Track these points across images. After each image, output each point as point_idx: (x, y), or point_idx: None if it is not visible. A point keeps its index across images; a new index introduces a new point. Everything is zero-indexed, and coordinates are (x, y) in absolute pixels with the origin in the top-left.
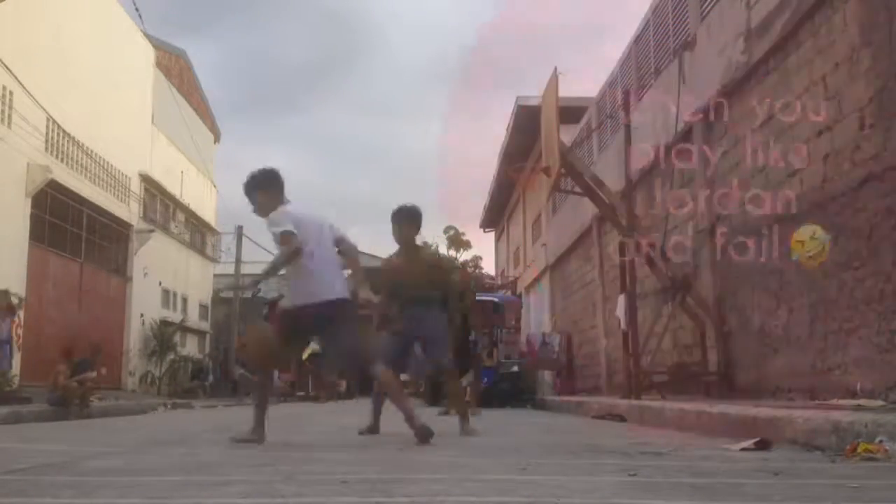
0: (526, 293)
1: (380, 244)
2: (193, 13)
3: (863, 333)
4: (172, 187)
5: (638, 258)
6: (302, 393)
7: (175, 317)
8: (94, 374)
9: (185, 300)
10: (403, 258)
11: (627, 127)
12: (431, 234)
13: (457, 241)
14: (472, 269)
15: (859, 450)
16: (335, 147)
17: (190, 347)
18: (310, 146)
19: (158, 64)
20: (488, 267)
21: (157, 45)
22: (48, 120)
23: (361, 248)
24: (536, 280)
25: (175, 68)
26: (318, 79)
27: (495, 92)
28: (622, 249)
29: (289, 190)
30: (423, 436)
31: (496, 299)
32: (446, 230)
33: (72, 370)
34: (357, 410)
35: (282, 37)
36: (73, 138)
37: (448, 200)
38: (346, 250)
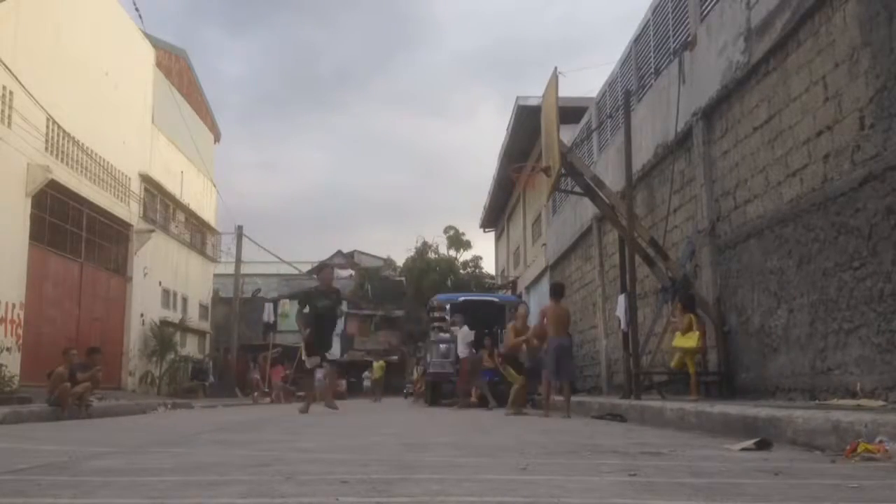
0: (526, 293)
1: (395, 245)
2: (235, 9)
3: (863, 333)
4: (172, 187)
5: (638, 257)
6: (302, 393)
7: (175, 317)
8: (94, 371)
9: (185, 300)
10: None
11: (628, 127)
12: (432, 235)
13: (457, 241)
14: (473, 268)
15: (859, 450)
16: (361, 144)
17: (190, 347)
18: (340, 143)
19: (158, 64)
20: (488, 267)
21: (157, 45)
22: (48, 120)
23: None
24: (536, 280)
25: (175, 68)
26: (354, 75)
27: None
28: (622, 246)
29: (316, 188)
30: None
31: (496, 299)
32: (446, 230)
33: (70, 371)
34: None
35: (319, 33)
36: (73, 138)
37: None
38: None
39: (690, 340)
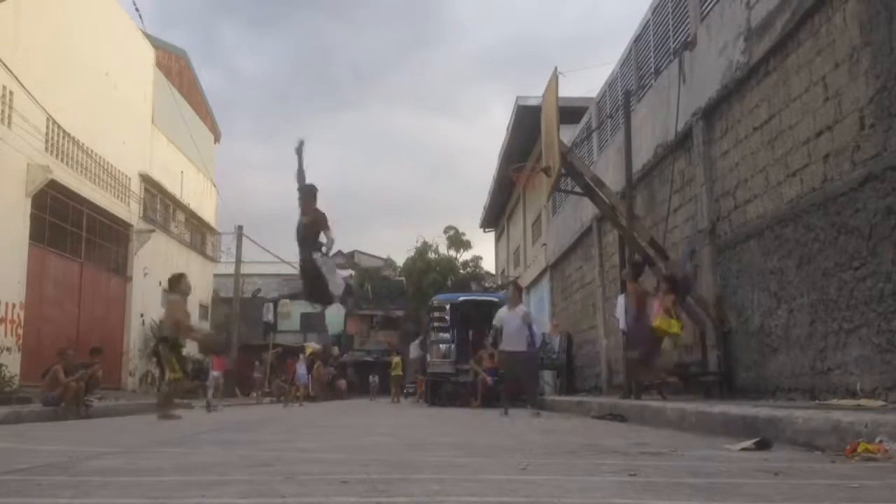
0: (526, 293)
1: (395, 246)
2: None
3: (863, 333)
4: (172, 187)
5: (637, 255)
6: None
7: None
8: (94, 370)
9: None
10: None
11: (628, 127)
12: (432, 235)
13: (457, 241)
14: (472, 268)
15: (859, 450)
16: (366, 144)
17: (190, 347)
18: (345, 142)
19: (158, 64)
20: (488, 267)
21: (157, 45)
22: (48, 120)
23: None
24: (536, 280)
25: (175, 68)
26: (367, 73)
27: None
28: (622, 246)
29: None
30: None
31: (496, 299)
32: (446, 230)
33: (68, 370)
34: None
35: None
36: (73, 138)
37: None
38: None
39: (674, 327)
